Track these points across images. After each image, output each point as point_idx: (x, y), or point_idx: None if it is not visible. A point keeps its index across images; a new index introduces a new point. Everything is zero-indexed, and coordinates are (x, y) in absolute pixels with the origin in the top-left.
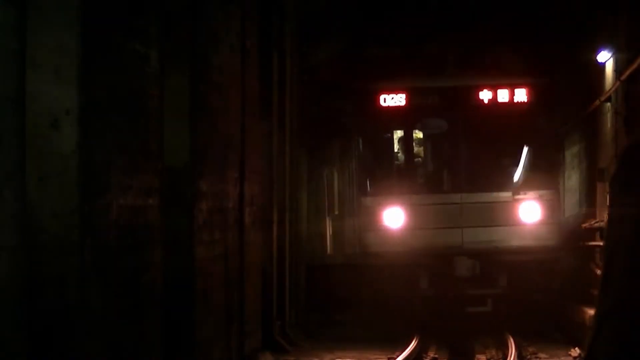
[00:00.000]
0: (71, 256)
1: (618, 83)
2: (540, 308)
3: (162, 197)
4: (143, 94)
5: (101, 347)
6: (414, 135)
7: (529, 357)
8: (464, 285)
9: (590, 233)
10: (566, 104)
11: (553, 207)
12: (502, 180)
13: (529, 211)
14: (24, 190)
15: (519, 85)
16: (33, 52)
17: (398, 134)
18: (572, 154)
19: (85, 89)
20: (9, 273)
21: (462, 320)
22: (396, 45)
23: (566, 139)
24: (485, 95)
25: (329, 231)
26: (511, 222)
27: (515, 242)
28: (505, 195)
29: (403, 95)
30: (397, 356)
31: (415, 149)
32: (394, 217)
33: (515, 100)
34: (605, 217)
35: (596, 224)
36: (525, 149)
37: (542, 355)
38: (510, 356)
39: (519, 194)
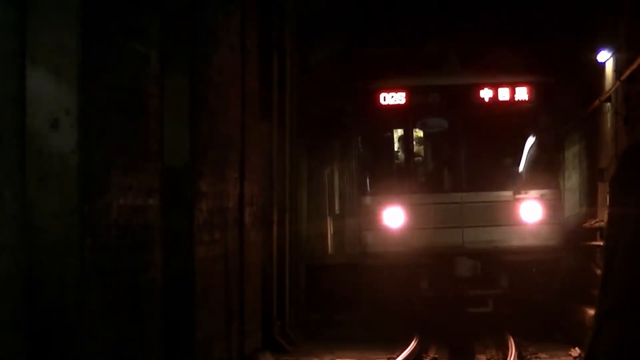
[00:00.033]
0: (71, 256)
1: (618, 83)
2: (541, 308)
3: (162, 197)
4: (143, 94)
5: (101, 347)
6: (414, 134)
7: (529, 357)
8: (465, 286)
9: (591, 233)
10: (566, 103)
11: (554, 207)
12: (502, 179)
13: (530, 211)
14: (24, 190)
15: (520, 84)
16: (33, 52)
17: (398, 132)
18: (572, 154)
19: (85, 89)
20: (8, 273)
21: (463, 320)
22: (396, 44)
23: (566, 138)
24: (485, 93)
25: (329, 231)
26: (512, 221)
27: (517, 242)
28: (506, 194)
29: (403, 94)
30: (397, 356)
31: (416, 148)
32: (394, 216)
33: (516, 99)
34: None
35: (596, 224)
36: (526, 148)
37: (542, 355)
38: (510, 356)
39: (520, 193)
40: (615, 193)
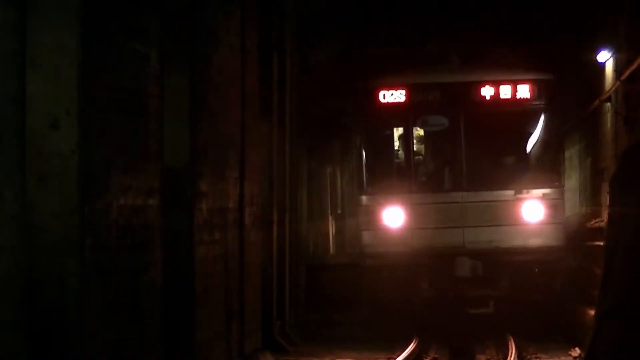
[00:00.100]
0: (71, 256)
1: (618, 83)
2: (541, 309)
3: (162, 197)
4: (143, 94)
5: (101, 347)
6: (414, 132)
7: (529, 357)
8: (465, 286)
9: (593, 233)
10: (567, 103)
11: (556, 206)
12: (504, 178)
13: (532, 210)
14: (24, 190)
15: (522, 82)
16: (33, 52)
17: (398, 131)
18: (571, 154)
19: (85, 89)
20: (8, 273)
21: (463, 321)
22: (396, 44)
23: (566, 138)
24: (487, 91)
25: (330, 231)
26: (513, 221)
27: (518, 242)
28: (508, 194)
29: (403, 92)
30: (397, 356)
31: (416, 146)
32: (393, 216)
33: (517, 97)
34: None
35: (596, 224)
36: (528, 147)
37: (542, 355)
38: (510, 356)
39: (521, 192)
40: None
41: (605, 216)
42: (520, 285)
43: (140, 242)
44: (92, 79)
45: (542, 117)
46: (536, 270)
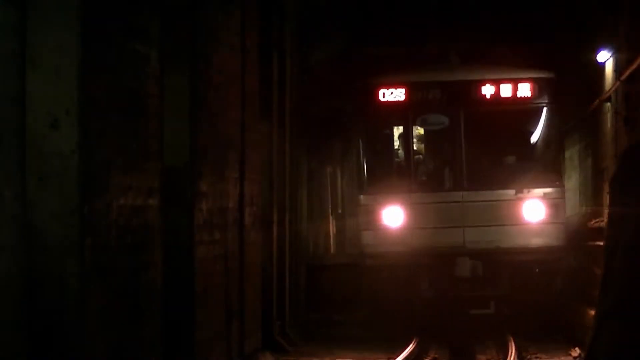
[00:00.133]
0: (71, 256)
1: (618, 83)
2: (542, 309)
3: (162, 197)
4: (143, 94)
5: (101, 347)
6: (414, 131)
7: (529, 357)
8: (466, 287)
9: (593, 233)
10: (567, 102)
11: (557, 206)
12: (504, 177)
13: (533, 210)
14: (24, 190)
15: (522, 80)
16: (33, 52)
17: (398, 130)
18: (572, 154)
19: (85, 89)
20: (8, 273)
21: (463, 321)
22: (396, 44)
23: (566, 138)
24: (487, 90)
25: (330, 231)
26: (514, 221)
27: (519, 242)
28: (508, 193)
29: (402, 90)
30: (397, 356)
31: (416, 145)
32: (393, 215)
33: (518, 96)
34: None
35: (596, 224)
36: (528, 146)
37: (542, 355)
38: (510, 356)
39: (522, 192)
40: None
41: (605, 216)
42: (520, 286)
43: (140, 242)
44: (92, 79)
45: (542, 116)
46: (537, 270)
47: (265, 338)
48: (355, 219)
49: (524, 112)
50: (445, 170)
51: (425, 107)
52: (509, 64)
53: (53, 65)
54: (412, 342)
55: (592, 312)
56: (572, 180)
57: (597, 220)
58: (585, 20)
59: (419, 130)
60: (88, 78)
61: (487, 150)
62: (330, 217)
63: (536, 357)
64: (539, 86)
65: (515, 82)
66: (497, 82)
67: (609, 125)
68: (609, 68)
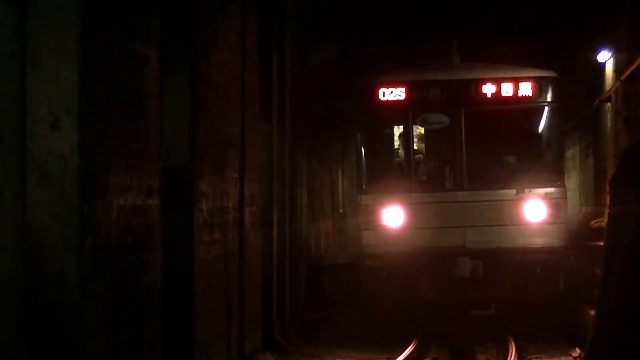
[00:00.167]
0: (71, 256)
1: (618, 83)
2: (543, 309)
3: (162, 197)
4: (143, 94)
5: (101, 347)
6: (414, 130)
7: (529, 357)
8: (466, 287)
9: (594, 232)
10: (568, 102)
11: (559, 206)
12: (505, 177)
13: (534, 210)
14: (24, 190)
15: (523, 79)
16: (33, 52)
17: (398, 129)
18: (572, 154)
19: (85, 89)
20: (8, 273)
21: (464, 322)
22: (397, 44)
23: (566, 138)
24: (488, 89)
25: (331, 230)
26: (515, 221)
27: (520, 242)
28: (509, 193)
29: (402, 89)
30: (397, 356)
31: (416, 145)
32: (393, 215)
33: (519, 95)
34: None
35: (596, 224)
36: (529, 146)
37: (542, 355)
38: (510, 357)
39: (523, 192)
40: (615, 193)
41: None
42: (521, 286)
43: (140, 242)
44: (92, 79)
45: (544, 115)
46: (538, 270)
47: (265, 338)
48: (355, 218)
49: (525, 111)
50: (446, 170)
51: (426, 106)
52: (510, 62)
53: (53, 65)
54: (412, 343)
55: (592, 312)
56: (572, 180)
57: (598, 220)
58: (585, 20)
59: (419, 130)
60: (88, 78)
61: (488, 149)
62: (331, 217)
63: (536, 358)
64: (540, 85)
65: (516, 81)
66: (497, 81)
67: (609, 125)
68: (609, 68)
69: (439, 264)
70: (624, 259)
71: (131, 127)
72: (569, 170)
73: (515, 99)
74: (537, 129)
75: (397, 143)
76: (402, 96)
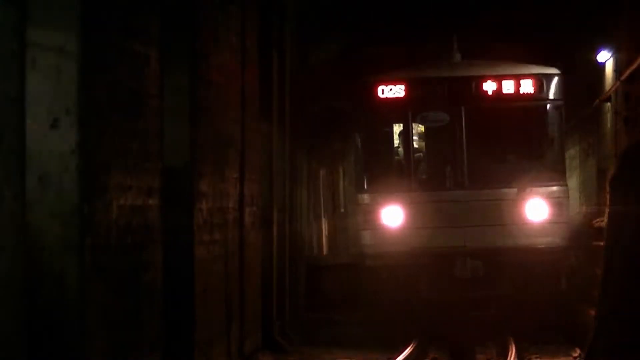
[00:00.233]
0: (71, 256)
1: (618, 83)
2: (544, 310)
3: (162, 197)
4: (143, 94)
5: (101, 347)
6: (414, 129)
7: (529, 357)
8: (466, 288)
9: (594, 232)
10: (568, 101)
11: (561, 205)
12: (506, 176)
13: (536, 209)
14: (24, 190)
15: (525, 77)
16: (33, 52)
17: (397, 127)
18: (572, 154)
19: (85, 89)
20: (8, 273)
21: (464, 323)
22: (397, 43)
23: (567, 137)
24: (489, 86)
25: (331, 230)
26: (516, 220)
27: (521, 242)
28: (510, 192)
29: (402, 87)
30: (397, 356)
31: (416, 143)
32: (393, 215)
33: (520, 92)
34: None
35: (596, 224)
36: (531, 144)
37: (542, 356)
38: (510, 357)
39: (524, 191)
40: (615, 193)
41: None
42: (522, 286)
43: (140, 242)
44: (92, 79)
45: (546, 113)
46: (540, 271)
47: (265, 338)
48: (355, 218)
49: (527, 108)
50: (446, 169)
51: (426, 103)
52: (511, 59)
53: (53, 65)
54: (412, 343)
55: (592, 312)
56: (573, 180)
57: (598, 220)
58: (585, 20)
59: (419, 128)
60: (88, 78)
61: (489, 148)
62: (331, 217)
63: (536, 358)
64: (543, 82)
65: (518, 78)
66: (499, 78)
67: (609, 125)
68: (609, 68)
69: (439, 264)
70: (624, 259)
71: (131, 127)
72: (569, 170)
73: (517, 96)
74: (539, 126)
75: (396, 141)
76: (402, 94)
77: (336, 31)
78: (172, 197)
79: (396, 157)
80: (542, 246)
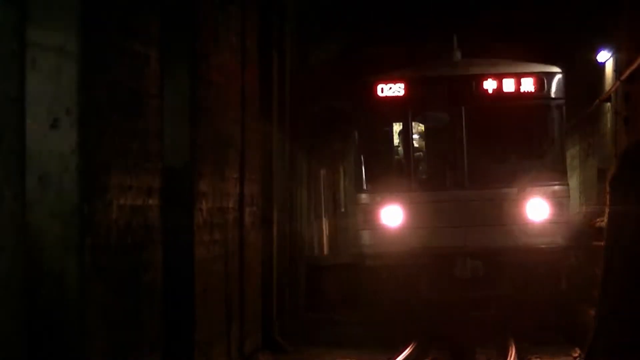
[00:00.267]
0: (71, 256)
1: (618, 83)
2: (545, 310)
3: (162, 197)
4: (143, 94)
5: (101, 347)
6: (414, 128)
7: (529, 357)
8: (467, 288)
9: (596, 232)
10: (568, 101)
11: (562, 204)
12: (507, 175)
13: (536, 209)
14: (24, 190)
15: (525, 75)
16: (33, 52)
17: (397, 126)
18: (572, 154)
19: (85, 89)
20: (8, 273)
21: (464, 323)
22: (397, 43)
23: (568, 137)
24: (489, 85)
25: (331, 230)
26: (517, 220)
27: (522, 242)
28: (511, 191)
29: (401, 85)
30: (397, 357)
31: (415, 142)
32: (392, 215)
33: (521, 91)
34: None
35: (597, 224)
36: (532, 143)
37: (542, 356)
38: (510, 357)
39: (525, 190)
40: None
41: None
42: (523, 286)
43: (140, 242)
44: (92, 79)
45: (547, 112)
46: (541, 270)
47: (265, 338)
48: (354, 218)
49: (526, 108)
50: (446, 168)
51: (425, 102)
52: (512, 58)
53: (53, 65)
54: (412, 343)
55: (592, 312)
56: (573, 180)
57: (598, 220)
58: (585, 20)
59: (419, 127)
60: (88, 78)
61: (490, 147)
62: (331, 217)
63: (536, 358)
64: (544, 81)
65: (518, 76)
66: (499, 77)
67: (609, 125)
68: (609, 68)
69: (439, 264)
70: (624, 259)
71: (131, 127)
72: (569, 170)
73: (518, 95)
74: (540, 125)
75: (396, 141)
76: (401, 92)
77: (336, 31)
78: (172, 197)
79: (396, 157)
80: (543, 246)
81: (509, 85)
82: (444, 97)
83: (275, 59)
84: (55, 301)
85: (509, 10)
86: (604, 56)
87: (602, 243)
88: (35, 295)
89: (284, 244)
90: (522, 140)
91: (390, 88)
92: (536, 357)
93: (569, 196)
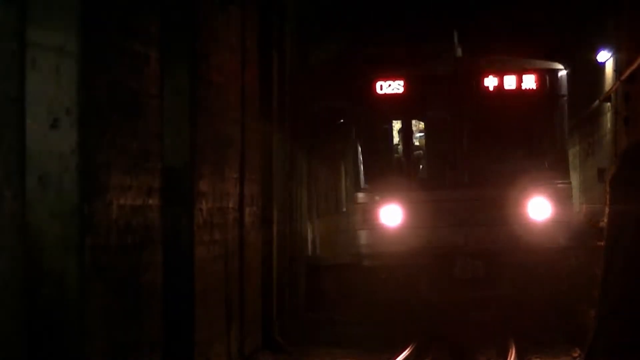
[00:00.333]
0: (71, 256)
1: (618, 83)
2: (545, 310)
3: (162, 197)
4: (143, 94)
5: (101, 347)
6: (413, 126)
7: (528, 357)
8: (467, 288)
9: (596, 232)
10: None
11: (564, 203)
12: (508, 174)
13: (538, 208)
14: (24, 190)
15: (527, 72)
16: (33, 52)
17: (396, 124)
18: (572, 153)
19: (85, 89)
20: (8, 273)
21: (464, 323)
22: (397, 44)
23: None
24: (490, 82)
25: (331, 230)
26: (518, 219)
27: (523, 241)
28: (512, 190)
29: (401, 82)
30: (397, 357)
31: (415, 140)
32: (391, 214)
33: (522, 88)
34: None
35: (597, 224)
36: (533, 141)
37: (542, 356)
38: (510, 357)
39: (526, 189)
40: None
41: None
42: (524, 287)
43: (140, 242)
44: (92, 79)
45: (548, 109)
46: (540, 271)
47: (265, 338)
48: (353, 217)
49: (527, 105)
50: (446, 167)
51: (425, 99)
52: (513, 55)
53: (53, 65)
54: (412, 343)
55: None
56: (573, 180)
57: (598, 220)
58: (585, 20)
59: (419, 125)
60: (88, 78)
61: (491, 145)
62: (331, 216)
63: (536, 358)
64: (545, 78)
65: (520, 73)
66: (501, 74)
67: (609, 125)
68: (609, 68)
69: (438, 264)
70: (624, 259)
71: (131, 127)
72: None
73: (520, 91)
74: (542, 123)
75: (395, 139)
76: (401, 89)
77: (336, 31)
78: (172, 197)
79: (395, 155)
80: (544, 246)
81: (510, 82)
82: (445, 94)
83: (275, 59)
84: (55, 301)
85: (509, 10)
86: (604, 56)
87: (601, 243)
88: (35, 295)
89: (283, 244)
90: (524, 137)
91: (390, 85)
92: (536, 358)
93: (571, 195)
